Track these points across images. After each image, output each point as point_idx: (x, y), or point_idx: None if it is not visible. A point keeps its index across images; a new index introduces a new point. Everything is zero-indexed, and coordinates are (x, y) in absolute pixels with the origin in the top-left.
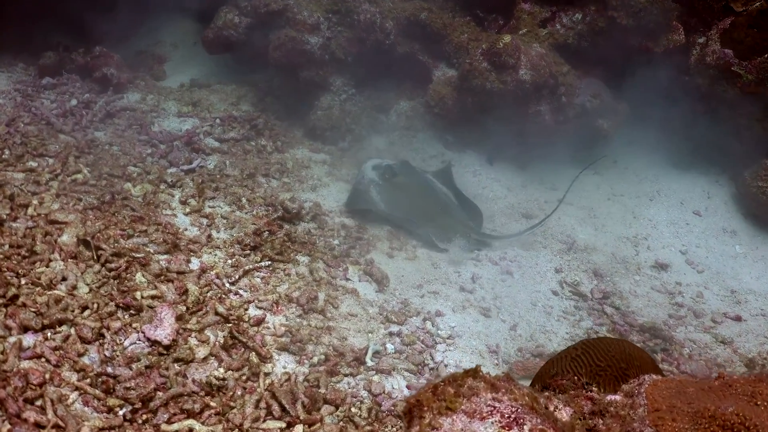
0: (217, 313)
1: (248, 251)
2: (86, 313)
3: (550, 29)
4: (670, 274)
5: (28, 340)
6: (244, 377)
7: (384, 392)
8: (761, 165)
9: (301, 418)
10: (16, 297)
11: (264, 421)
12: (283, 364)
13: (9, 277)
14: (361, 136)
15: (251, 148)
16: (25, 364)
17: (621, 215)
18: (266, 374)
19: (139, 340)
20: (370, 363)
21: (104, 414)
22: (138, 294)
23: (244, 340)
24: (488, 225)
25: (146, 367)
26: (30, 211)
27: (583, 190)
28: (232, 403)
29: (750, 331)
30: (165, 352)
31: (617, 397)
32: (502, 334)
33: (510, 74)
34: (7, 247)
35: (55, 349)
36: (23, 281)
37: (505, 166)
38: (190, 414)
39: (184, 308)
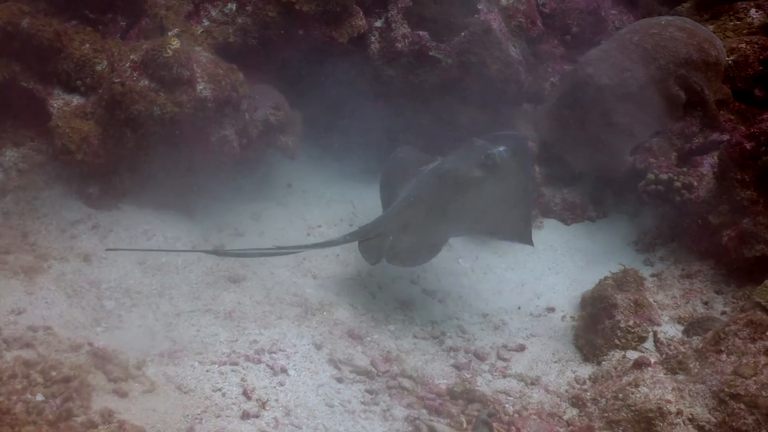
0: None
1: None
2: None
3: (201, 27)
4: (418, 312)
5: None
6: None
7: None
8: None
9: None
10: None
11: None
12: None
13: None
14: None
15: None
16: None
17: (330, 252)
18: None
19: None
20: None
21: None
22: None
23: None
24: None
25: None
26: None
27: (274, 228)
28: None
29: (538, 359)
30: None
31: None
32: None
33: (186, 92)
34: None
35: None
36: None
37: (171, 216)
38: None
39: None
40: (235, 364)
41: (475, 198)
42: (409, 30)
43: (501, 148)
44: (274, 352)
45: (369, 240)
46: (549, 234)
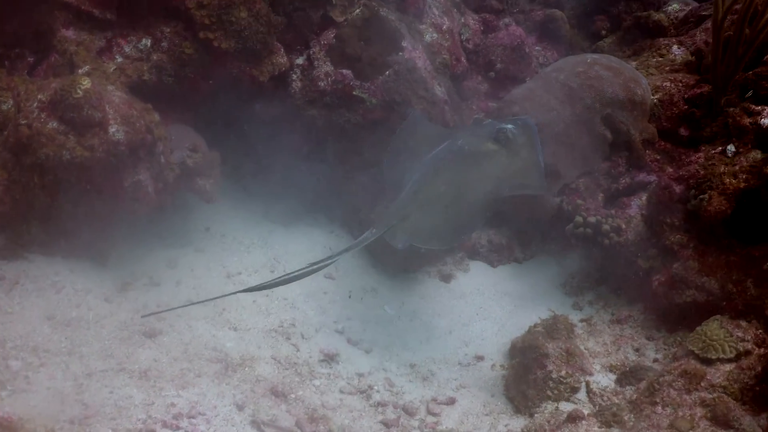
0: None
1: None
2: None
3: (114, 64)
4: (343, 364)
5: None
6: None
7: None
8: None
9: None
10: None
11: None
12: None
13: None
14: None
15: None
16: None
17: (251, 301)
18: None
19: None
20: None
21: None
22: None
23: None
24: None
25: None
26: None
27: (192, 276)
28: None
29: (469, 412)
30: None
31: None
32: None
33: (98, 135)
34: None
35: None
36: None
37: (82, 266)
38: None
39: None
40: (152, 431)
41: (491, 170)
42: (332, 68)
43: (510, 125)
44: (194, 417)
45: (393, 227)
46: (476, 277)
